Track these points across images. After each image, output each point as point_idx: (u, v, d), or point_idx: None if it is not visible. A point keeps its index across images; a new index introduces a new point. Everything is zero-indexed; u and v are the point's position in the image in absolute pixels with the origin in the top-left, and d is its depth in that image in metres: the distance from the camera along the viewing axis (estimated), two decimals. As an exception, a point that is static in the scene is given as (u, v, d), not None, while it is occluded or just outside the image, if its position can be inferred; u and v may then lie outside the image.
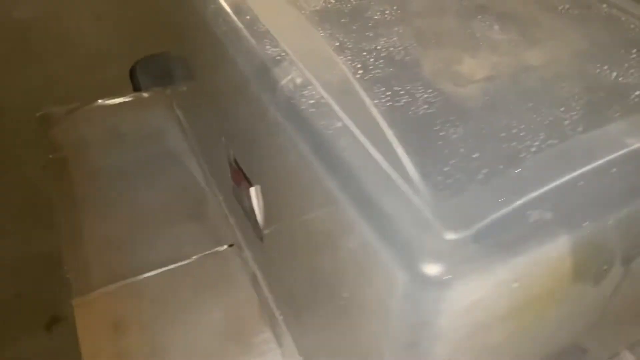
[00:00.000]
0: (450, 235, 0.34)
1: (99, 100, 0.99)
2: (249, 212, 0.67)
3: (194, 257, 0.74)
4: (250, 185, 0.63)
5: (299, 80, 0.47)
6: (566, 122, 0.40)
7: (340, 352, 0.55)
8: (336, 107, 0.43)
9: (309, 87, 0.46)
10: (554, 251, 0.35)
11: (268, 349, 0.64)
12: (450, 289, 0.33)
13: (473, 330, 0.37)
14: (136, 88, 1.08)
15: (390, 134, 0.39)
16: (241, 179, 0.67)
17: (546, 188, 0.35)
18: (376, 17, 0.51)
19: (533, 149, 0.38)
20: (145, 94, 1.03)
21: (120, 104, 1.00)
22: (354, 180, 0.38)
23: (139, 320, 0.67)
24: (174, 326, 0.66)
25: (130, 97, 1.02)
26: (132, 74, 1.11)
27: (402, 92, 0.43)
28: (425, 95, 0.42)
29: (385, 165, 0.37)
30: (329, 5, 0.54)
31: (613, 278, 0.42)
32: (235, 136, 0.65)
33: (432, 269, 0.33)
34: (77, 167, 0.87)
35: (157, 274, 0.71)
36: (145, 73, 1.10)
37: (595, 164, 0.37)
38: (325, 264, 0.48)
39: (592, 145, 0.38)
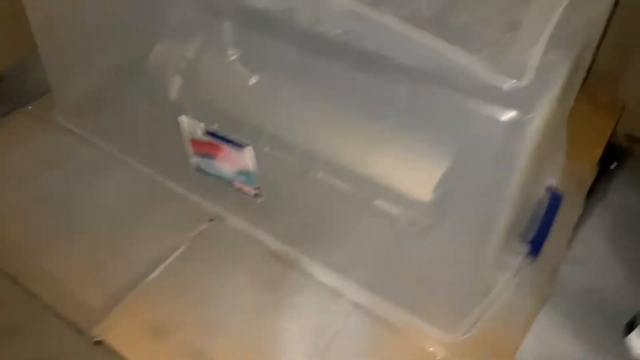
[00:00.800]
0: (514, 85, 0.45)
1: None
2: (237, 176, 0.70)
3: (184, 244, 0.74)
4: (241, 147, 0.66)
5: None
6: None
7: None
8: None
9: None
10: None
11: (302, 283, 0.70)
12: (528, 124, 0.45)
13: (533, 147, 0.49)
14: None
15: (424, 34, 0.48)
16: (218, 149, 0.69)
17: (544, 37, 0.49)
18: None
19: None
20: (3, 121, 0.91)
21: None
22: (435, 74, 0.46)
23: (173, 315, 0.66)
24: (209, 304, 0.67)
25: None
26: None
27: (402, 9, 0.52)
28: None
29: (447, 56, 0.47)
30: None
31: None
32: (210, 109, 0.67)
33: (511, 114, 0.45)
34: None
35: (160, 273, 0.70)
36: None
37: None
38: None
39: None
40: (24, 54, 1.04)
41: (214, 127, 0.68)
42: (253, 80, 0.80)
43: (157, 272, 0.70)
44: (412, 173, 0.71)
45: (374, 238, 0.72)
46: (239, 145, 0.66)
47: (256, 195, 0.70)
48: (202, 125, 0.68)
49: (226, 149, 0.68)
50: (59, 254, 0.72)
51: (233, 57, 0.83)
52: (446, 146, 0.69)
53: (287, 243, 0.74)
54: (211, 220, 0.77)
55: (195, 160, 0.74)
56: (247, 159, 0.67)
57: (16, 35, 1.20)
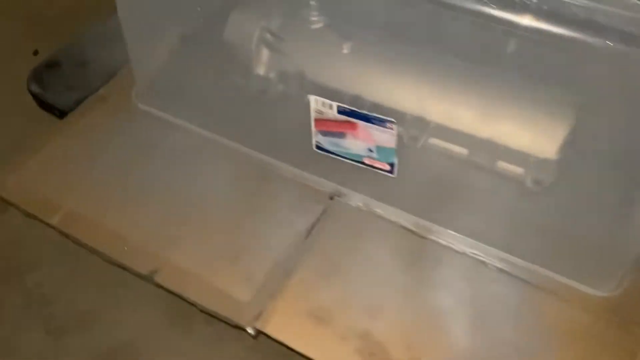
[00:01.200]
0: None
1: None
2: (369, 152, 0.68)
3: (313, 225, 0.72)
4: (384, 123, 0.64)
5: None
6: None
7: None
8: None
9: None
10: None
11: (442, 254, 0.69)
12: None
13: None
14: (53, 107, 0.89)
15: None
16: (352, 126, 0.66)
17: None
18: None
19: None
20: (81, 109, 0.86)
21: (68, 133, 0.82)
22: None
23: (328, 298, 0.65)
24: (359, 283, 0.67)
25: (70, 119, 0.85)
26: (38, 94, 0.90)
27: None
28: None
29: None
30: None
31: None
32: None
33: None
34: (82, 225, 0.73)
35: (300, 256, 0.68)
36: (55, 83, 0.90)
37: None
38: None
39: None
40: (72, 36, 0.98)
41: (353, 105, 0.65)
42: (347, 48, 0.77)
43: (297, 255, 0.69)
44: (534, 131, 0.71)
45: (502, 200, 0.73)
46: (382, 122, 0.64)
47: (390, 171, 0.69)
48: (335, 104, 0.66)
49: (363, 127, 0.65)
50: (188, 248, 0.70)
51: (320, 25, 0.80)
52: (569, 103, 0.69)
53: (416, 214, 0.73)
54: (332, 198, 0.75)
55: (316, 139, 0.71)
56: (390, 135, 0.64)
57: (60, 16, 1.13)
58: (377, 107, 0.72)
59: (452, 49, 0.71)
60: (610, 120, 0.65)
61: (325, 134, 0.69)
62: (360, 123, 0.65)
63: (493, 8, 0.51)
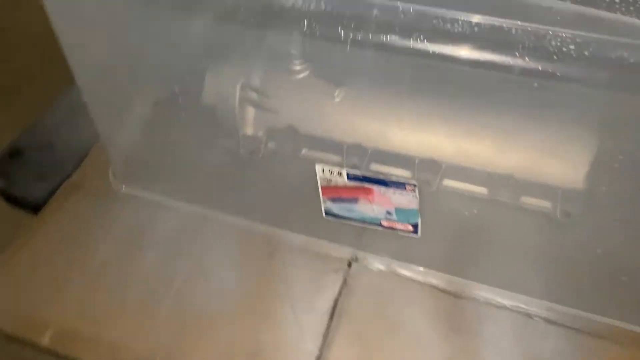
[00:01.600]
0: None
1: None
2: (387, 215, 0.61)
3: (337, 299, 0.65)
4: (404, 186, 0.57)
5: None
6: None
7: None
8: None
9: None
10: None
11: (484, 313, 0.63)
12: None
13: None
14: (23, 202, 0.80)
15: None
16: (367, 192, 0.60)
17: None
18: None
19: None
20: (55, 201, 0.77)
21: (44, 232, 0.74)
22: None
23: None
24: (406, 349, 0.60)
25: (44, 214, 0.76)
26: (4, 189, 0.81)
27: None
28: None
29: None
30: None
31: None
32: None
33: None
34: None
35: (332, 343, 0.61)
36: (21, 174, 0.81)
37: None
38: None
39: None
40: (31, 119, 0.89)
41: (365, 171, 0.59)
42: (338, 95, 0.71)
43: (324, 342, 0.61)
44: (556, 160, 0.65)
45: (533, 242, 0.66)
46: (401, 185, 0.57)
47: (413, 232, 0.62)
48: (345, 170, 0.59)
49: (378, 191, 0.59)
50: (200, 352, 0.62)
51: (305, 73, 0.73)
52: (590, 127, 0.63)
53: (445, 271, 0.66)
54: (349, 264, 0.68)
55: (325, 206, 0.64)
56: (411, 197, 0.58)
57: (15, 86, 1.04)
58: (380, 153, 0.65)
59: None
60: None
61: (335, 200, 0.62)
62: (375, 188, 0.58)
63: (526, 61, 0.45)
